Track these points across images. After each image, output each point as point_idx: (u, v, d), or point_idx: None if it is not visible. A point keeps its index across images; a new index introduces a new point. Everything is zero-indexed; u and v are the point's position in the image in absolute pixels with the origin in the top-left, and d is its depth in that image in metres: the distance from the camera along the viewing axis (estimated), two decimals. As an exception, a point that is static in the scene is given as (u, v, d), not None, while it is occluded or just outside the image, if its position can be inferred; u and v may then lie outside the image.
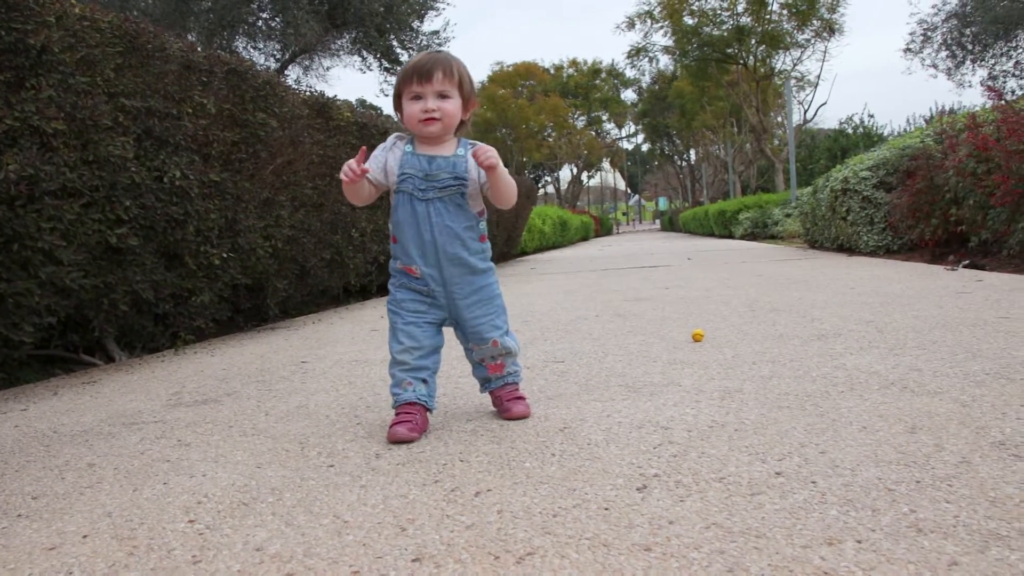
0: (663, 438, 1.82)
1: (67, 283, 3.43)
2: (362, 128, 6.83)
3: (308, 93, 6.06)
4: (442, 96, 2.04)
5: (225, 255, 4.59)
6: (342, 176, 2.00)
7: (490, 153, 2.00)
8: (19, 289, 3.27)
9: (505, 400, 2.17)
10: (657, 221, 78.02)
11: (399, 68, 16.54)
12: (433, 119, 2.03)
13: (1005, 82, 19.80)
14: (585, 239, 30.47)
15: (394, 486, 1.60)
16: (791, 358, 2.73)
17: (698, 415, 2.02)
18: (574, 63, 55.39)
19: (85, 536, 1.44)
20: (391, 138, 2.16)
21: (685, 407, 2.12)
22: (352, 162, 2.00)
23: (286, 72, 14.09)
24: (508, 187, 2.08)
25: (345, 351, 3.76)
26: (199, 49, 4.64)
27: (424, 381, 2.09)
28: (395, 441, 1.95)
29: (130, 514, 1.55)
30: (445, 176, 2.06)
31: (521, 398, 2.18)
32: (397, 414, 2.03)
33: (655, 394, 2.31)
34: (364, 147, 2.07)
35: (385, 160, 2.12)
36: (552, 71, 54.60)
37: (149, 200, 3.97)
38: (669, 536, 1.24)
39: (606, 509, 1.38)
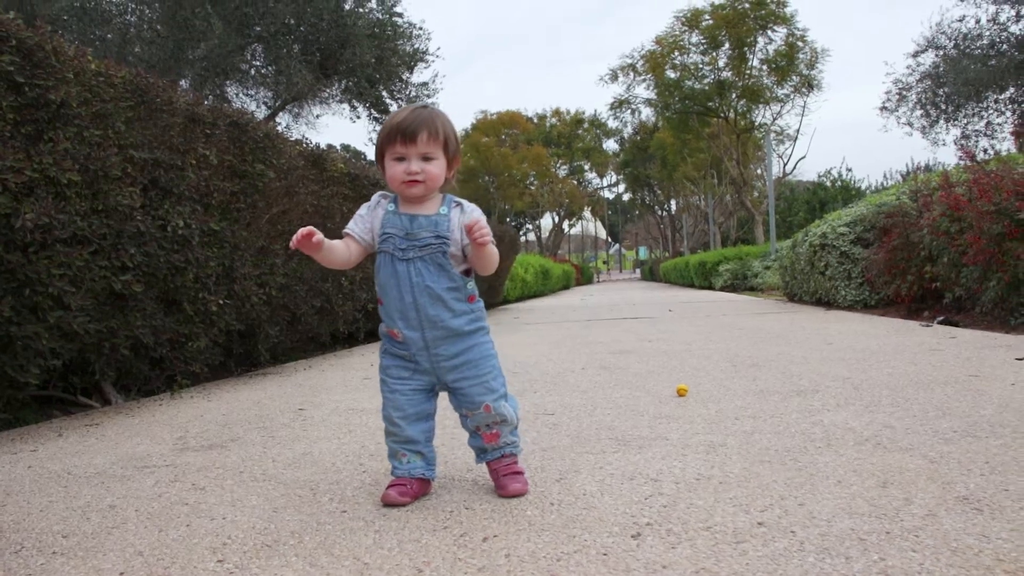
0: (653, 489, 1.96)
1: (74, 327, 3.55)
2: (354, 179, 7.01)
3: (304, 145, 6.24)
4: (426, 158, 1.98)
5: (222, 302, 4.71)
6: (291, 243, 1.95)
7: (484, 231, 1.92)
8: (28, 332, 3.39)
9: (501, 475, 2.03)
10: (637, 270, 78.56)
11: (384, 119, 16.89)
12: (416, 182, 1.97)
13: (977, 141, 20.36)
14: (566, 288, 30.70)
15: (406, 531, 1.73)
16: (771, 414, 2.88)
17: (685, 468, 2.16)
18: (557, 113, 56.25)
19: (122, 573, 1.56)
20: (375, 197, 2.10)
21: (673, 460, 2.26)
22: (303, 230, 1.94)
23: (276, 119, 14.31)
24: (492, 259, 2.02)
25: (340, 399, 3.87)
26: (205, 102, 4.81)
27: (419, 453, 2.02)
28: (387, 504, 1.94)
29: (160, 553, 1.66)
30: (426, 235, 1.99)
31: (519, 473, 2.04)
32: (392, 481, 2.02)
33: (644, 447, 2.45)
34: (312, 228, 1.97)
35: (371, 219, 2.07)
36: (535, 120, 55.39)
37: (152, 248, 4.10)
38: (664, 579, 1.37)
39: (604, 555, 1.51)
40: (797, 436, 2.48)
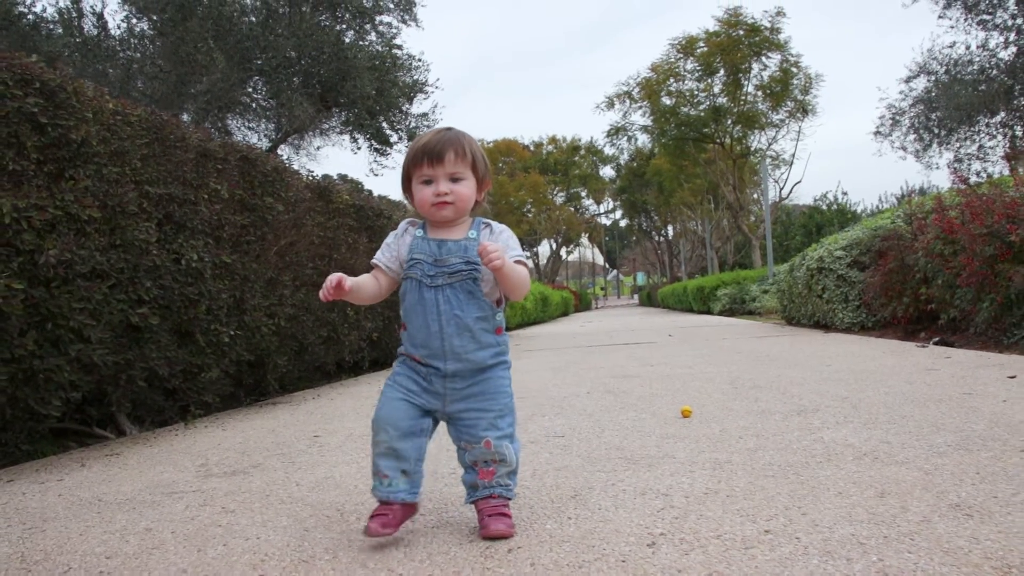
0: (664, 503, 2.06)
1: (94, 360, 3.65)
2: (359, 210, 7.15)
3: (311, 178, 6.39)
4: (455, 179, 1.93)
5: (233, 333, 4.82)
6: (320, 296, 1.91)
7: (494, 255, 1.81)
8: (50, 365, 3.49)
9: (486, 514, 1.90)
10: (635, 296, 78.77)
11: (388, 148, 17.19)
12: (445, 203, 1.92)
13: (970, 164, 20.62)
14: (565, 314, 30.79)
15: (434, 545, 1.83)
16: (774, 432, 2.99)
17: (693, 483, 2.27)
18: (553, 140, 56.60)
19: (169, 588, 1.66)
20: (403, 224, 2.05)
21: (681, 476, 2.37)
22: (331, 279, 1.90)
23: (278, 151, 14.50)
24: (519, 281, 1.92)
25: (353, 426, 3.97)
26: (214, 137, 4.95)
27: (404, 472, 1.90)
28: (370, 536, 1.86)
29: (204, 571, 1.76)
30: (455, 260, 1.92)
31: (505, 515, 1.90)
32: (374, 510, 1.92)
33: (653, 465, 2.56)
34: (341, 275, 1.92)
35: (397, 247, 2.01)
36: (532, 148, 55.72)
37: (168, 281, 4.22)
38: (679, 582, 1.48)
39: (623, 562, 1.62)
40: (799, 452, 2.58)
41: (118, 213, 3.86)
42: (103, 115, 3.85)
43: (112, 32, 12.50)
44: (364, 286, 2.00)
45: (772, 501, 2.01)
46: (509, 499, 1.96)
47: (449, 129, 2.02)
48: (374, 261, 2.05)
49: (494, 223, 2.01)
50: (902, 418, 3.09)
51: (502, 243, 1.94)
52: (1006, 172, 14.93)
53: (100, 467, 3.25)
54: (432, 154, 1.92)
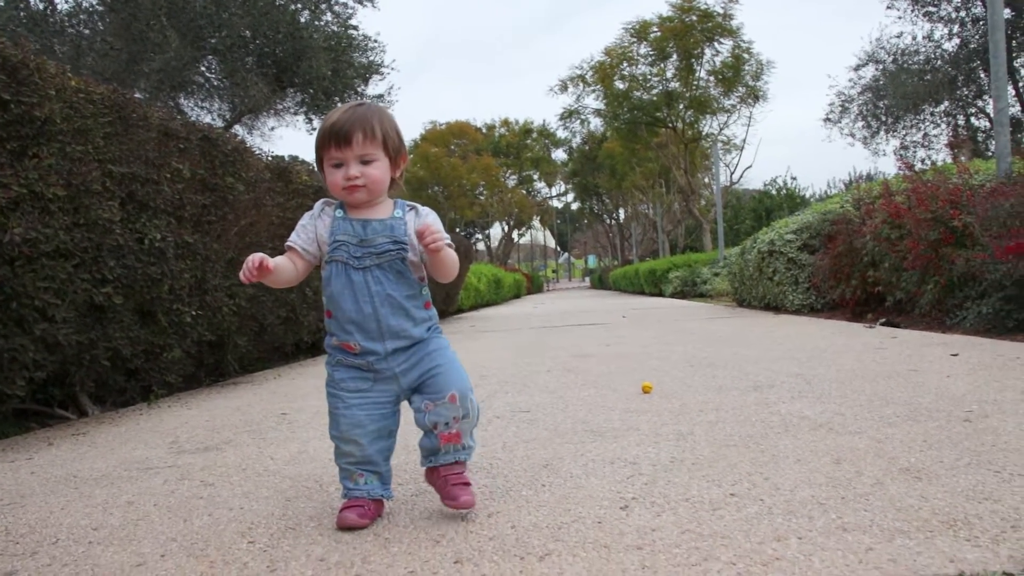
0: (633, 471, 2.17)
1: (59, 339, 3.65)
2: (318, 191, 7.14)
3: (270, 158, 6.37)
4: (365, 161, 1.84)
5: (195, 313, 4.82)
6: (241, 276, 1.81)
7: (437, 236, 1.80)
8: (15, 345, 3.48)
9: (451, 483, 1.87)
10: (587, 279, 79.27)
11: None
12: (356, 187, 1.85)
13: (915, 152, 21.24)
14: (518, 296, 30.93)
15: (416, 511, 1.91)
16: (732, 406, 3.11)
17: (659, 453, 2.37)
18: (506, 123, 56.50)
19: (162, 555, 1.71)
20: (318, 204, 1.95)
21: (647, 447, 2.47)
22: (252, 259, 1.79)
23: (233, 131, 14.33)
24: (451, 265, 1.91)
25: (319, 404, 4.01)
26: (177, 117, 4.93)
27: (377, 473, 1.89)
28: (344, 527, 1.79)
29: (193, 538, 1.82)
30: (383, 241, 1.86)
31: (468, 484, 1.89)
32: (348, 502, 1.87)
33: (618, 437, 2.66)
34: (263, 255, 1.81)
35: (315, 229, 1.92)
36: (484, 130, 55.57)
37: (131, 261, 4.21)
38: (654, 540, 1.58)
39: (599, 523, 1.71)
40: (757, 424, 2.71)
41: (82, 192, 3.84)
42: (66, 93, 3.82)
43: (59, 6, 12.26)
44: (283, 268, 1.89)
45: (735, 468, 2.12)
46: (468, 462, 1.94)
47: (360, 104, 1.92)
48: (289, 243, 1.94)
49: (419, 206, 1.95)
50: (853, 392, 3.23)
51: (430, 221, 1.89)
52: (949, 160, 15.38)
53: (68, 446, 3.26)
54: (339, 136, 1.83)
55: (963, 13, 19.19)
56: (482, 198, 49.11)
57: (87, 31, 12.22)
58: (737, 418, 2.86)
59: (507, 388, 4.15)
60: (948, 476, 1.89)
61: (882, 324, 6.72)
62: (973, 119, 21.06)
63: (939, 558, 1.38)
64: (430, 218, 1.92)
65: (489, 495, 2.02)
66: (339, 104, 16.31)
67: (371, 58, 15.82)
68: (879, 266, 7.18)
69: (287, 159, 7.35)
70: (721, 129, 28.69)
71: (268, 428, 3.36)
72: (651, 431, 2.73)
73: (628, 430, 2.78)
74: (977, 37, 18.86)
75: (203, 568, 1.61)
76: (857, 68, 21.90)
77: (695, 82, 27.13)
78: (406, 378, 1.88)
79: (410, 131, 53.82)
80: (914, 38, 20.74)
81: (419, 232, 1.82)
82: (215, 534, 1.84)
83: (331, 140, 1.84)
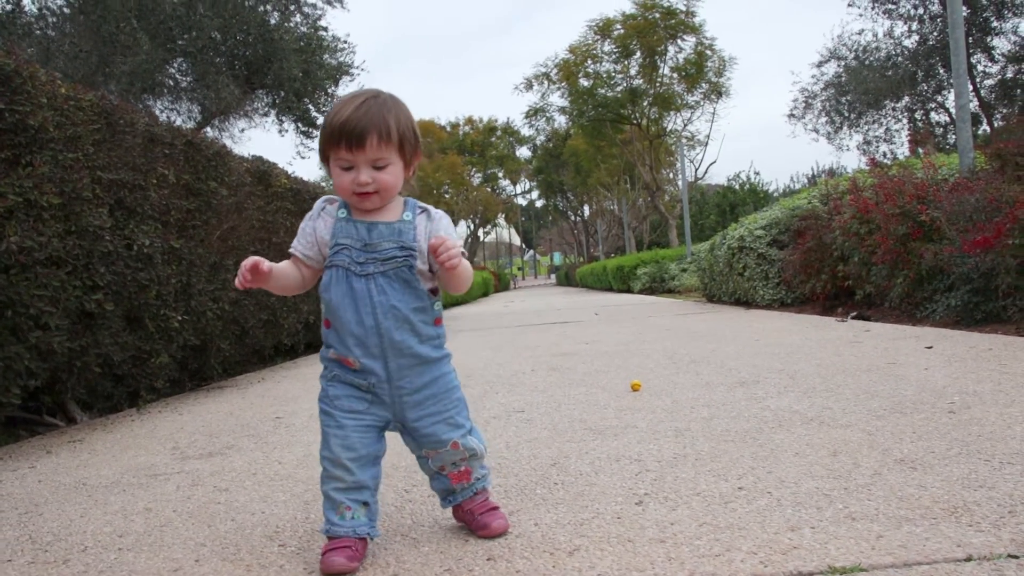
0: (640, 468, 2.25)
1: (54, 347, 3.66)
2: (296, 194, 7.17)
3: (251, 161, 6.39)
4: (378, 166, 1.67)
5: (181, 318, 4.84)
6: (236, 283, 1.69)
7: (453, 254, 1.65)
8: (10, 353, 3.49)
9: (478, 513, 1.78)
10: (552, 275, 79.49)
11: (315, 130, 16.82)
12: (368, 194, 1.69)
13: (878, 147, 21.71)
14: (486, 295, 30.97)
15: (436, 512, 1.98)
16: (723, 403, 3.22)
17: (661, 449, 2.47)
18: (470, 121, 56.50)
19: (197, 560, 1.77)
20: (318, 203, 1.79)
21: (648, 444, 2.56)
22: (246, 263, 1.67)
23: (202, 133, 14.26)
24: (467, 277, 1.75)
25: (311, 407, 4.05)
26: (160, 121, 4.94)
27: (365, 504, 1.71)
28: (331, 573, 1.61)
29: (223, 543, 1.87)
30: (388, 246, 1.70)
31: (496, 508, 1.81)
32: (330, 540, 1.68)
33: (618, 435, 2.75)
34: (258, 258, 1.69)
35: (314, 231, 1.76)
36: (448, 129, 55.51)
37: (120, 267, 4.22)
38: (675, 532, 1.67)
39: (619, 518, 1.80)
40: (751, 419, 2.81)
41: (74, 199, 3.85)
42: (56, 100, 3.83)
43: (26, 8, 12.08)
44: (286, 273, 1.77)
45: (737, 463, 2.22)
46: (489, 488, 1.86)
47: (376, 96, 1.71)
48: (291, 251, 1.80)
49: (431, 208, 1.78)
50: (838, 386, 3.36)
51: (444, 232, 1.73)
52: (909, 154, 15.71)
53: (68, 453, 3.29)
54: (350, 138, 1.64)
55: (921, 10, 19.63)
56: (447, 196, 49.06)
57: (54, 33, 12.07)
58: (730, 414, 2.96)
59: (496, 388, 4.22)
60: (942, 466, 2.00)
61: (853, 318, 6.89)
62: (933, 114, 21.57)
63: (946, 543, 1.49)
64: (443, 223, 1.77)
65: (505, 494, 2.09)
66: (310, 105, 16.48)
67: (341, 59, 15.82)
68: (849, 260, 7.35)
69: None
70: (685, 125, 29.03)
71: (266, 432, 3.40)
72: (649, 428, 2.82)
73: (626, 428, 2.86)
74: (935, 34, 19.32)
75: (240, 572, 1.67)
76: (820, 65, 22.34)
77: (659, 79, 27.43)
78: (405, 411, 1.74)
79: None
80: (875, 35, 21.28)
81: (432, 248, 1.66)
82: (243, 539, 1.90)
83: (341, 140, 1.65)
